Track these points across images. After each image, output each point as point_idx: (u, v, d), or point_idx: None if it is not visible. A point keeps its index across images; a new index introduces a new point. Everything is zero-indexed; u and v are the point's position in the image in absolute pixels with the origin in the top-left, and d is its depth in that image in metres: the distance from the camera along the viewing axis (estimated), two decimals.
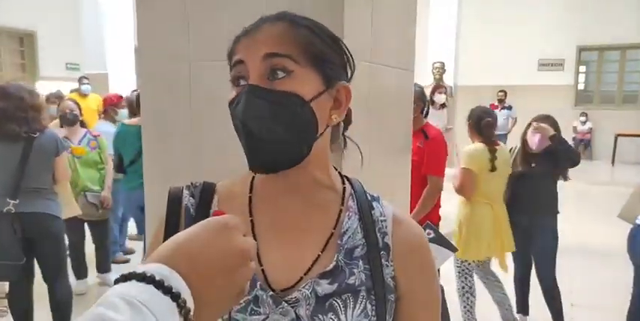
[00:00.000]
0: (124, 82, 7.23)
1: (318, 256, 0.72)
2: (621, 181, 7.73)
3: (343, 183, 0.80)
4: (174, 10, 1.20)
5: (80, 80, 7.99)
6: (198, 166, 1.21)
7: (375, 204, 0.78)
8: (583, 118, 10.84)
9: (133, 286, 0.43)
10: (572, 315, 3.51)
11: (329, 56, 0.71)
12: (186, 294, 0.45)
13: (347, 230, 0.74)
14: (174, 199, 0.78)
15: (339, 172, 0.81)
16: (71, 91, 7.79)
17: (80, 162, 3.77)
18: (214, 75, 1.18)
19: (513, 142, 9.96)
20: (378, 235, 0.75)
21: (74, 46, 9.10)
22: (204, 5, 1.17)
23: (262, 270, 0.71)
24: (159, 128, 1.28)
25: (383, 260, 0.74)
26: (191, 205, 0.77)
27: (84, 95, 7.76)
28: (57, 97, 7.05)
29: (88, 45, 7.73)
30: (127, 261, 4.60)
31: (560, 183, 3.21)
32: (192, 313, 0.45)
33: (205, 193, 0.77)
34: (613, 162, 10.30)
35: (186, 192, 0.78)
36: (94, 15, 7.61)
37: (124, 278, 0.44)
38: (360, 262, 0.72)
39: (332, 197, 0.77)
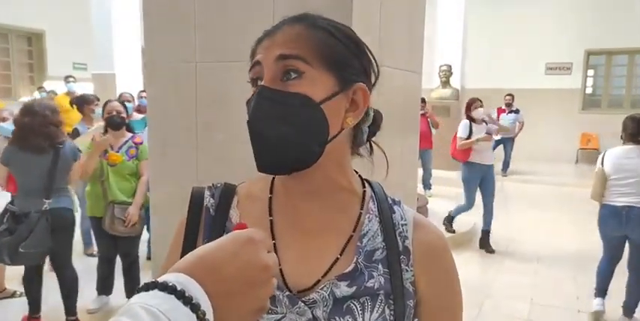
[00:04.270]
0: (131, 83, 7.25)
1: (337, 258, 0.71)
2: None
3: (364, 186, 0.79)
4: (180, 12, 1.20)
5: (66, 79, 8.00)
6: (203, 167, 1.20)
7: (396, 208, 0.78)
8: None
9: (154, 295, 0.44)
10: None
11: (345, 59, 0.70)
12: (205, 305, 0.45)
13: (367, 233, 0.74)
14: (196, 200, 0.78)
15: (360, 176, 0.80)
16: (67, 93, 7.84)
17: (113, 171, 3.31)
18: (220, 76, 1.18)
19: (519, 145, 9.92)
20: (399, 238, 0.74)
21: (82, 46, 9.14)
22: (211, 7, 1.17)
23: (280, 270, 0.70)
24: (165, 128, 1.27)
25: (403, 265, 0.73)
26: (211, 206, 0.77)
27: (71, 94, 7.73)
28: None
29: (95, 45, 7.75)
30: None
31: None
32: None
33: (225, 194, 0.78)
34: None
35: (207, 193, 0.79)
36: (103, 15, 7.63)
37: (146, 287, 0.45)
38: (380, 266, 0.72)
39: (352, 200, 0.76)
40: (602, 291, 3.54)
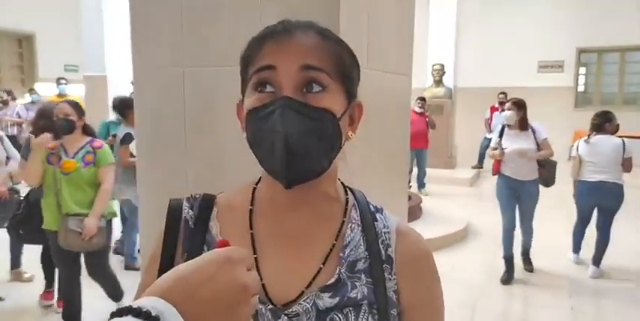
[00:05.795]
0: (123, 85, 7.20)
1: (320, 269, 0.70)
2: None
3: (346, 194, 0.78)
4: (168, 16, 1.19)
5: (58, 81, 7.97)
6: (192, 174, 1.19)
7: (378, 215, 0.77)
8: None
9: None
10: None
11: (351, 74, 0.72)
12: None
13: (349, 243, 0.73)
14: (174, 212, 0.76)
15: (342, 183, 0.80)
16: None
17: (67, 180, 2.93)
18: (208, 81, 1.17)
19: None
20: (381, 247, 0.73)
21: (73, 47, 9.07)
22: (199, 11, 1.16)
23: (262, 284, 0.69)
24: (153, 135, 1.26)
25: (386, 273, 0.72)
26: (190, 218, 0.75)
27: (62, 96, 7.75)
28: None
29: (87, 47, 7.68)
30: (138, 268, 3.96)
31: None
32: None
33: (204, 205, 0.76)
34: None
35: (186, 204, 0.77)
36: (94, 16, 7.56)
37: (120, 313, 0.44)
38: (363, 276, 0.71)
39: (335, 209, 0.76)
40: (577, 248, 4.73)
